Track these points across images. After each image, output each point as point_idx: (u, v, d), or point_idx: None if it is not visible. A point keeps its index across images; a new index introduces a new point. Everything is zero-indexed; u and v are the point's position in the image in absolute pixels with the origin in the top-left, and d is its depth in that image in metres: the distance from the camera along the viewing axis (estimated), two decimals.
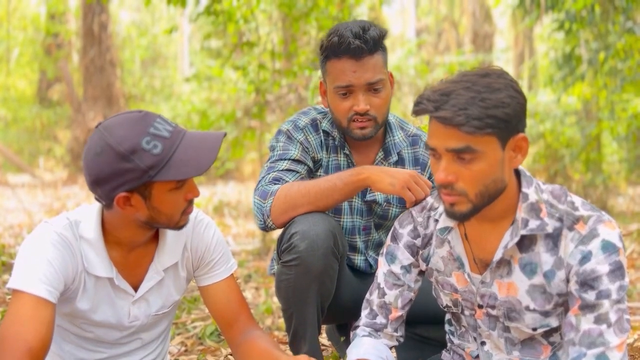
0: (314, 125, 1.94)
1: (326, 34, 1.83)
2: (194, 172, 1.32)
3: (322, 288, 1.71)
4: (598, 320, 1.24)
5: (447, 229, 1.43)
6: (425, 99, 1.24)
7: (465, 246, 1.42)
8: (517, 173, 1.35)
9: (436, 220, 1.48)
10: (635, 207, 7.92)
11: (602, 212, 1.31)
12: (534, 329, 1.36)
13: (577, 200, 1.33)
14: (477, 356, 1.49)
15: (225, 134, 1.41)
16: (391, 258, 1.53)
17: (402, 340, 1.59)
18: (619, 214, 7.21)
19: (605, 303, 1.23)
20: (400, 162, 1.97)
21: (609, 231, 1.27)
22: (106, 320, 1.50)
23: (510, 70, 16.24)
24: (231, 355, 2.34)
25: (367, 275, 2.02)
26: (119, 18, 17.89)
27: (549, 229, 1.30)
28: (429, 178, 1.97)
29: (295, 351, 1.81)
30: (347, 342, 2.17)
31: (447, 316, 1.60)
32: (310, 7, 5.09)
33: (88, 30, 11.86)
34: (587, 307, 1.25)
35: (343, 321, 2.17)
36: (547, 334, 1.39)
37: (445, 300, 1.50)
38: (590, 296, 1.25)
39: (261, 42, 5.25)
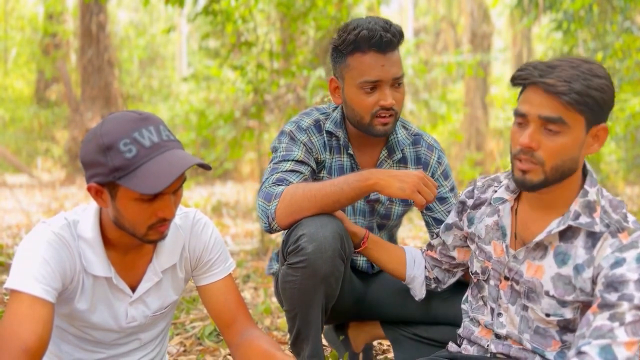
0: (317, 126, 1.92)
1: (344, 29, 1.79)
2: (149, 190, 1.28)
3: (328, 290, 1.70)
4: (612, 317, 1.25)
5: (501, 199, 1.48)
6: (532, 67, 1.30)
7: (512, 221, 1.47)
8: (584, 172, 1.40)
9: (495, 190, 1.54)
10: (633, 206, 7.92)
11: None
12: (547, 315, 1.39)
13: (631, 217, 1.36)
14: (491, 325, 1.52)
15: (205, 165, 1.34)
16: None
17: (431, 285, 1.78)
18: None
19: (625, 305, 1.25)
20: (403, 161, 1.97)
21: None
22: (104, 321, 1.49)
23: (508, 70, 16.26)
24: (230, 355, 2.34)
25: (368, 275, 2.02)
26: (117, 18, 17.87)
27: (596, 229, 1.33)
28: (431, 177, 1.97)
29: (297, 351, 1.80)
30: (346, 342, 2.17)
31: (466, 293, 1.64)
32: (308, 7, 5.08)
33: (86, 30, 11.82)
34: (605, 306, 1.27)
35: (343, 321, 2.17)
36: (562, 330, 1.40)
37: (476, 266, 1.56)
38: (612, 297, 1.26)
39: (259, 42, 5.24)
